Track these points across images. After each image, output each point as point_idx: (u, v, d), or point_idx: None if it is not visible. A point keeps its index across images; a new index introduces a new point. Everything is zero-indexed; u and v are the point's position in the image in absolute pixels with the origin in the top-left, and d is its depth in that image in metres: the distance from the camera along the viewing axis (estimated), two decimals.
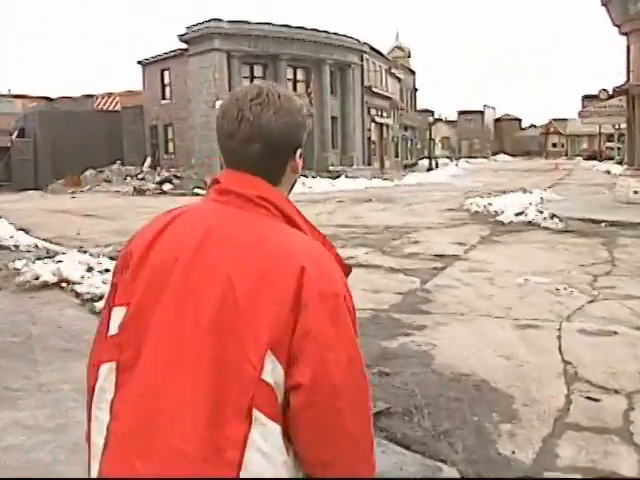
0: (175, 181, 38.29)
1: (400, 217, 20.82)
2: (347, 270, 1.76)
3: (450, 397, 5.63)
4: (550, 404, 5.44)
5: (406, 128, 70.54)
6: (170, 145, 46.44)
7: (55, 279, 10.18)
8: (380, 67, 57.73)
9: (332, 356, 1.57)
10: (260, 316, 1.56)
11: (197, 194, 34.51)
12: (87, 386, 1.80)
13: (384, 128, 59.40)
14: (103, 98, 54.32)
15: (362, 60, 50.52)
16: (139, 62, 48.03)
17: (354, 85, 49.20)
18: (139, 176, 42.74)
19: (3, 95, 51.39)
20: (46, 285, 10.11)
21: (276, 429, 1.56)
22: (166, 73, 45.89)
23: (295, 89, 44.33)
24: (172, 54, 44.48)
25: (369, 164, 52.13)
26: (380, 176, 46.73)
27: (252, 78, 42.77)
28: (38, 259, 12.42)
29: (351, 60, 48.35)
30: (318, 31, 44.60)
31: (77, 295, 9.62)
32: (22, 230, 18.20)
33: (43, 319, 8.27)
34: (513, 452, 4.67)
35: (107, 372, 1.70)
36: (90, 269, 10.62)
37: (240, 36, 40.73)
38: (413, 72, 76.22)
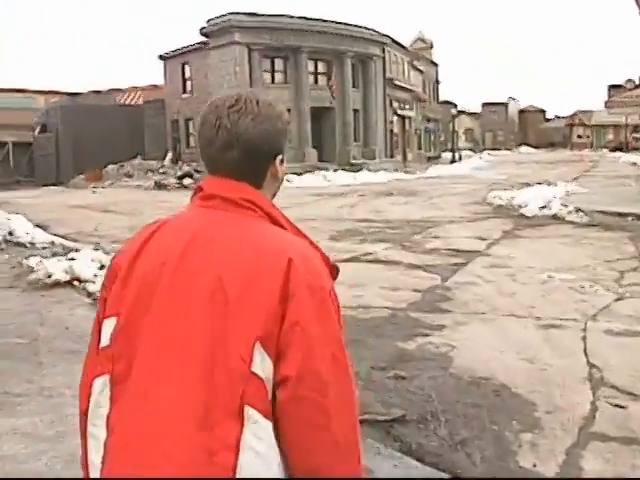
0: (196, 175, 38.10)
1: (421, 211, 20.48)
2: (334, 271, 1.77)
3: (468, 403, 5.35)
4: (574, 412, 5.13)
5: (429, 120, 70.03)
6: (191, 139, 46.32)
7: (67, 277, 10.00)
8: (402, 59, 57.25)
9: (318, 350, 1.56)
10: (250, 310, 1.56)
11: None
12: (79, 409, 1.76)
13: (406, 121, 58.97)
14: (127, 92, 54.36)
15: (384, 52, 50.07)
16: (160, 56, 47.98)
17: (376, 77, 48.78)
18: (160, 170, 42.69)
19: (25, 90, 51.52)
20: (58, 283, 9.93)
21: (269, 427, 1.54)
22: (187, 67, 45.82)
23: (316, 82, 44.20)
24: (192, 48, 44.36)
25: (391, 157, 51.77)
26: (402, 169, 46.39)
27: (273, 71, 42.65)
28: (54, 256, 12.29)
29: (372, 52, 47.89)
30: (338, 23, 44.16)
31: (89, 294, 9.42)
32: (39, 226, 18.12)
33: (52, 319, 8.07)
34: (534, 465, 4.38)
35: (101, 386, 1.67)
36: (102, 267, 10.41)
37: (260, 29, 40.47)
38: (435, 64, 75.58)
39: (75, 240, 15.84)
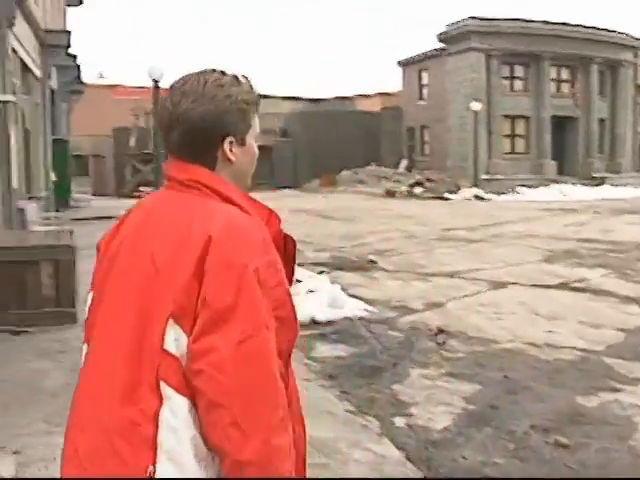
0: (427, 184, 37.48)
1: None
2: (289, 249, 1.81)
3: None
4: None
5: None
6: (426, 147, 45.73)
7: None
8: None
9: (223, 327, 1.54)
10: (168, 286, 1.59)
11: (447, 198, 33.61)
12: None
13: None
14: (365, 99, 54.93)
15: (636, 57, 46.29)
16: (399, 63, 47.88)
17: (625, 85, 45.16)
18: (393, 178, 42.46)
19: (270, 97, 53.55)
20: None
21: (183, 402, 1.56)
22: (424, 73, 45.26)
23: (558, 90, 41.79)
24: (430, 54, 43.75)
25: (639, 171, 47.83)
26: None
27: (512, 78, 40.89)
28: None
29: (623, 58, 44.30)
30: (584, 27, 41.33)
31: None
32: None
33: None
34: None
35: (84, 352, 1.78)
36: None
37: (499, 34, 38.86)
38: None
39: None
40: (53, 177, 19.80)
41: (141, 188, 32.56)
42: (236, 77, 1.80)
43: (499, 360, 6.92)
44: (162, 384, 1.56)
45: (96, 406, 1.61)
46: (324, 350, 7.38)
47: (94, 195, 35.53)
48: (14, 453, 4.59)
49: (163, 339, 1.56)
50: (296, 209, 26.10)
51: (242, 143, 1.79)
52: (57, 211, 19.79)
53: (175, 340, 1.56)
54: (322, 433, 4.83)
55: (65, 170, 22.29)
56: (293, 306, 1.70)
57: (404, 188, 37.35)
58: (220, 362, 1.51)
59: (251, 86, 1.82)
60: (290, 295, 1.70)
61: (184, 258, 1.59)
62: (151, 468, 1.54)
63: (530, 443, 4.90)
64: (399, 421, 5.34)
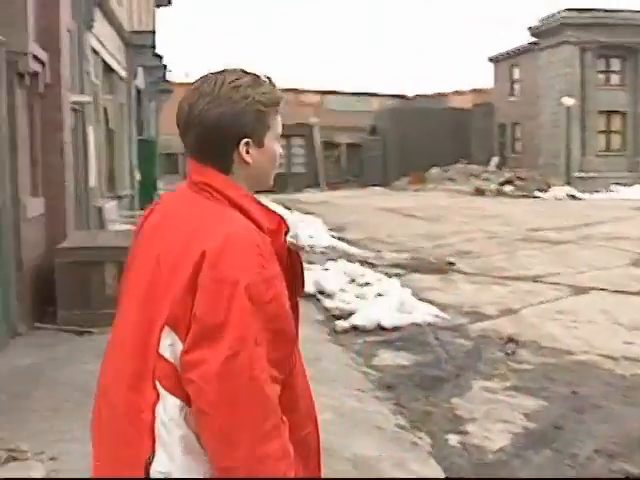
0: (517, 182, 36.54)
1: None
2: (294, 258, 1.84)
3: None
4: None
5: None
6: (517, 144, 44.64)
7: (313, 289, 9.52)
8: None
9: (212, 341, 1.60)
10: (167, 294, 1.67)
11: (537, 197, 32.69)
12: None
13: None
14: (455, 95, 54.15)
15: None
16: (490, 59, 46.91)
17: None
18: (483, 176, 41.63)
19: (360, 93, 53.36)
20: (302, 296, 9.50)
21: (174, 403, 1.66)
22: (515, 69, 44.17)
23: None
24: (522, 49, 42.64)
25: None
26: None
27: (608, 72, 39.37)
28: (329, 260, 11.99)
29: None
30: None
31: (326, 310, 8.86)
32: (334, 229, 18.17)
33: None
34: None
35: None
36: (353, 281, 9.81)
37: (594, 26, 37.32)
38: None
39: (364, 246, 15.54)
40: (138, 176, 20.07)
41: None
42: (256, 78, 1.79)
43: (570, 374, 6.51)
44: (156, 382, 1.66)
45: (110, 388, 1.77)
46: (386, 358, 7.12)
47: None
48: (50, 459, 4.54)
49: (159, 343, 1.66)
50: (382, 208, 25.85)
51: (260, 144, 1.79)
52: (142, 209, 20.08)
53: (170, 345, 1.65)
54: (366, 451, 4.60)
55: (152, 169, 22.62)
56: (289, 319, 1.73)
57: (493, 186, 36.50)
58: (208, 375, 1.58)
59: (271, 87, 1.81)
60: (286, 307, 1.71)
61: (181, 270, 1.65)
62: (150, 458, 1.66)
63: (593, 470, 4.54)
64: (453, 439, 5.05)
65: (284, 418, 1.68)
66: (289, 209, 22.03)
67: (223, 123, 1.73)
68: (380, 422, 5.28)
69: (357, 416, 5.35)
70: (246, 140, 1.76)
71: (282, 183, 40.95)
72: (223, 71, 1.79)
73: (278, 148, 1.86)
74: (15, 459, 3.95)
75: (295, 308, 1.82)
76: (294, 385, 1.78)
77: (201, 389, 1.59)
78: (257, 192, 1.85)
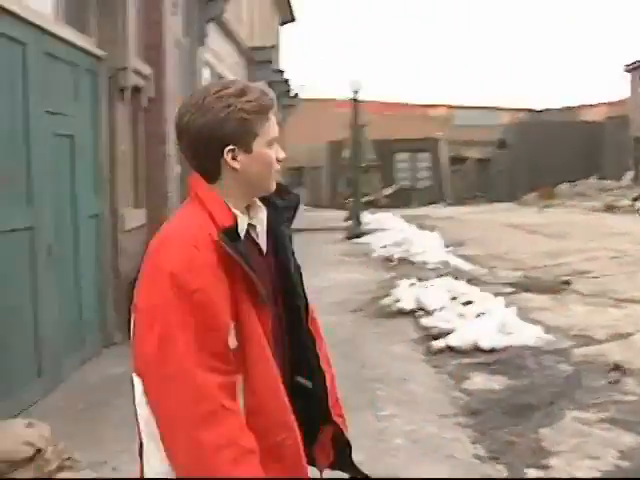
0: None
1: None
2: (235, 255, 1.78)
3: None
4: None
5: None
6: None
7: (412, 306, 9.27)
8: None
9: (146, 330, 1.73)
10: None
11: None
12: None
13: None
14: (588, 109, 52.34)
15: None
16: (626, 67, 44.87)
17: None
18: (615, 191, 39.90)
19: (488, 107, 52.45)
20: (401, 312, 9.27)
21: (138, 382, 1.78)
22: None
23: None
24: None
25: None
26: None
27: None
28: (440, 276, 11.70)
29: None
30: None
31: (424, 328, 8.58)
32: (451, 245, 17.78)
33: (362, 353, 7.41)
34: None
35: None
36: (454, 298, 9.48)
37: None
38: None
39: (478, 263, 15.10)
40: None
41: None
42: (244, 88, 1.85)
43: None
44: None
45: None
46: (478, 381, 6.77)
47: (307, 205, 36.29)
48: (113, 469, 4.53)
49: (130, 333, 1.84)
50: (506, 223, 25.15)
51: (248, 151, 1.86)
52: None
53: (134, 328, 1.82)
54: None
55: None
56: (219, 311, 1.74)
57: (626, 202, 34.91)
58: (146, 365, 1.74)
59: (259, 95, 1.85)
60: (215, 299, 1.72)
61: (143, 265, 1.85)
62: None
63: None
64: (532, 473, 4.69)
65: (233, 408, 1.72)
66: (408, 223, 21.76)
67: (206, 132, 1.81)
68: (456, 451, 4.98)
69: (432, 442, 5.07)
70: (231, 147, 1.84)
71: (406, 198, 40.64)
72: (210, 84, 1.92)
73: (272, 153, 1.91)
74: (69, 468, 3.95)
75: (264, 307, 1.83)
76: (256, 389, 1.81)
77: (145, 379, 1.75)
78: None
